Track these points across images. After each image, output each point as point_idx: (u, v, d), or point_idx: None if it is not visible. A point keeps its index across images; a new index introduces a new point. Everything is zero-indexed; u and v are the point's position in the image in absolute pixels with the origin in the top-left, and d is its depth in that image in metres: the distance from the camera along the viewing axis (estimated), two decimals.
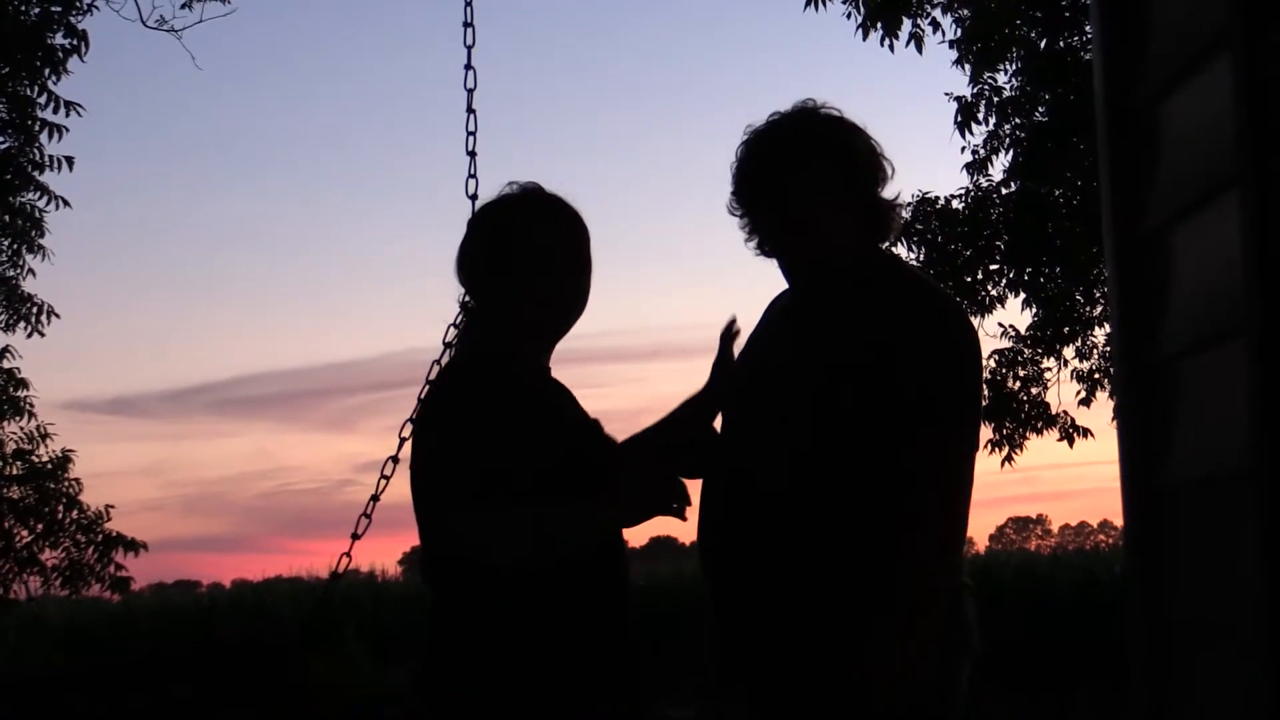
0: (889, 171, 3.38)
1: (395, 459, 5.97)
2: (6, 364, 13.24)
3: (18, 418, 13.22)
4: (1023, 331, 13.95)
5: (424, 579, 3.30)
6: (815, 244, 3.34)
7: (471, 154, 5.88)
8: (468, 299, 3.46)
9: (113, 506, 13.47)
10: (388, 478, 5.95)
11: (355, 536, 5.98)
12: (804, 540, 3.15)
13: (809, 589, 3.13)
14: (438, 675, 3.24)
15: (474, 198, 5.81)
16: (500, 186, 3.46)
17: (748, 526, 3.25)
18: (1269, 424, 2.28)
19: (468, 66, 5.91)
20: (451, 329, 5.90)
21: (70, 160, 12.09)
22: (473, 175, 5.84)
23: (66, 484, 13.38)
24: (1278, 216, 2.28)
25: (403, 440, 5.90)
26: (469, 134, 5.91)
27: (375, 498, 5.94)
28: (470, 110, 5.93)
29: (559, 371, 3.47)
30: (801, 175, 3.32)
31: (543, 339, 3.40)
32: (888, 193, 3.39)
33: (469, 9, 5.94)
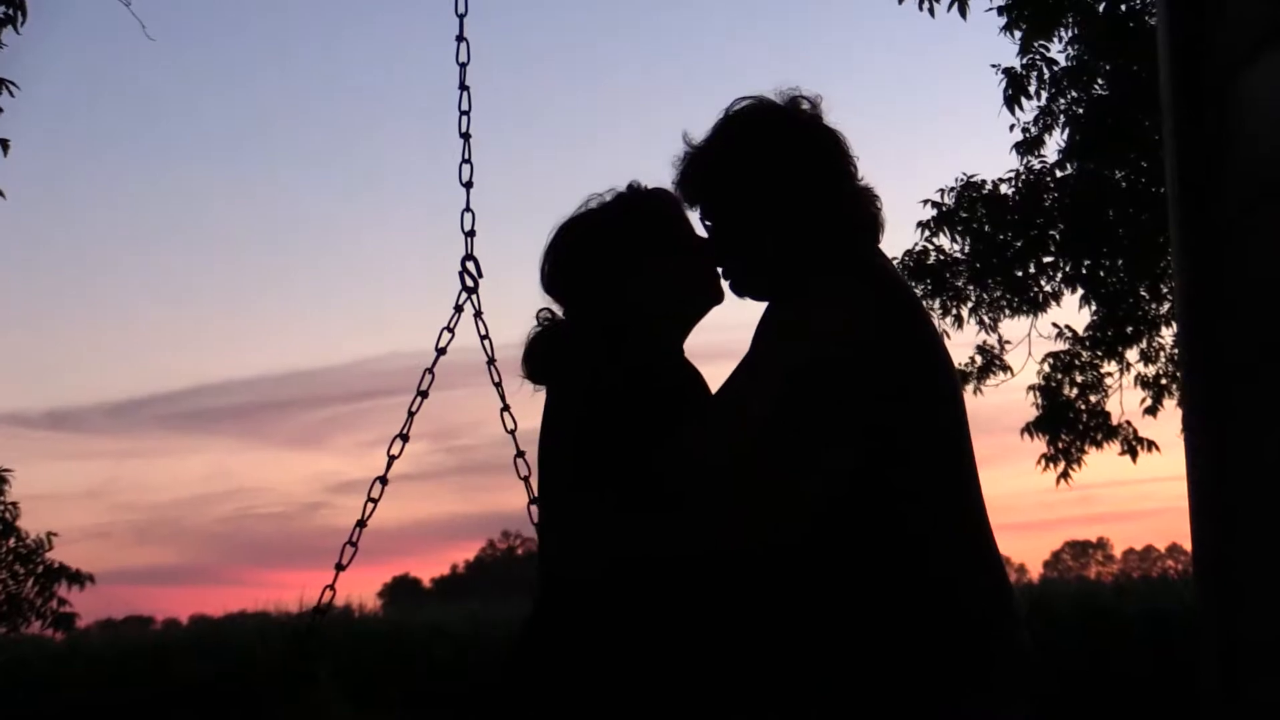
0: (838, 166, 3.50)
1: (384, 480, 5.94)
2: None
3: None
4: (1080, 332, 13.96)
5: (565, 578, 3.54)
6: (746, 263, 3.55)
7: (465, 136, 5.83)
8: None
9: (55, 534, 13.51)
10: (375, 501, 5.91)
11: (340, 567, 5.96)
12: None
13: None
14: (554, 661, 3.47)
15: (468, 185, 5.78)
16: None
17: None
18: None
19: (460, 38, 5.88)
20: (446, 333, 5.93)
21: (5, 144, 12.10)
22: (467, 160, 5.78)
23: (3, 508, 13.41)
24: None
25: (392, 458, 5.88)
26: (462, 114, 5.87)
27: (362, 523, 5.91)
28: (463, 87, 5.88)
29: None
30: (715, 204, 3.56)
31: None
32: (847, 184, 3.51)
33: None
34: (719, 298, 3.67)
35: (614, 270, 3.66)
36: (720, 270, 3.61)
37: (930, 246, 13.47)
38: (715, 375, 3.59)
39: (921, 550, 3.25)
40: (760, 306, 3.49)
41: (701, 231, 3.64)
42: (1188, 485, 2.92)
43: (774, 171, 3.44)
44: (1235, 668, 2.80)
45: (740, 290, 3.60)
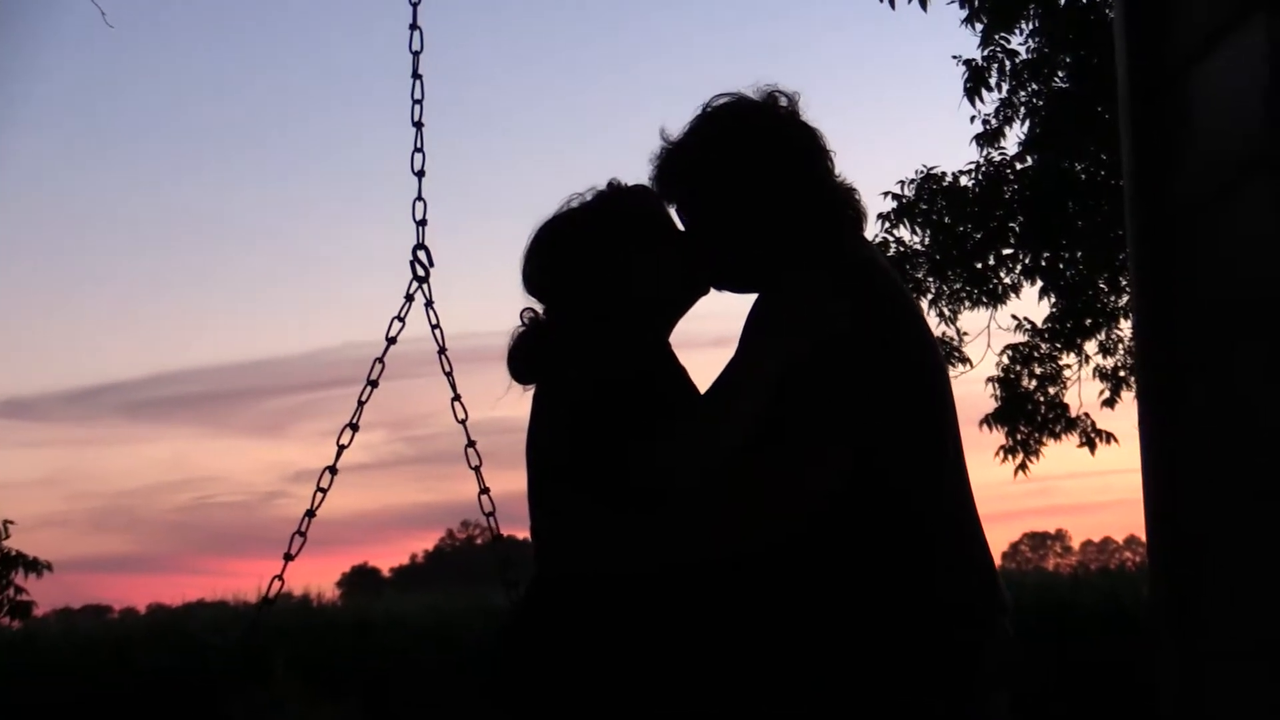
0: (817, 161, 3.50)
1: (333, 470, 5.94)
2: None
3: None
4: (1039, 324, 13.99)
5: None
6: (726, 257, 3.54)
7: (418, 125, 5.88)
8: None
9: (11, 522, 13.42)
10: (324, 490, 5.92)
11: (288, 557, 5.95)
12: None
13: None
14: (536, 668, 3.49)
15: (420, 173, 5.83)
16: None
17: None
18: None
19: (413, 26, 5.90)
20: (397, 322, 5.93)
21: None
22: (419, 149, 5.84)
23: None
24: None
25: (341, 448, 5.89)
26: (415, 102, 5.91)
27: (311, 513, 5.92)
28: (416, 76, 5.92)
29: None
30: (694, 199, 3.55)
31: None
32: (812, 178, 3.49)
33: None
34: (705, 288, 3.67)
35: (601, 264, 3.65)
36: (700, 264, 3.59)
37: (890, 238, 13.48)
38: (691, 364, 3.65)
39: (911, 543, 3.25)
40: (742, 297, 3.50)
41: (681, 226, 3.63)
42: (1142, 476, 2.91)
43: (754, 167, 3.44)
44: (1192, 658, 2.79)
45: (719, 284, 3.60)
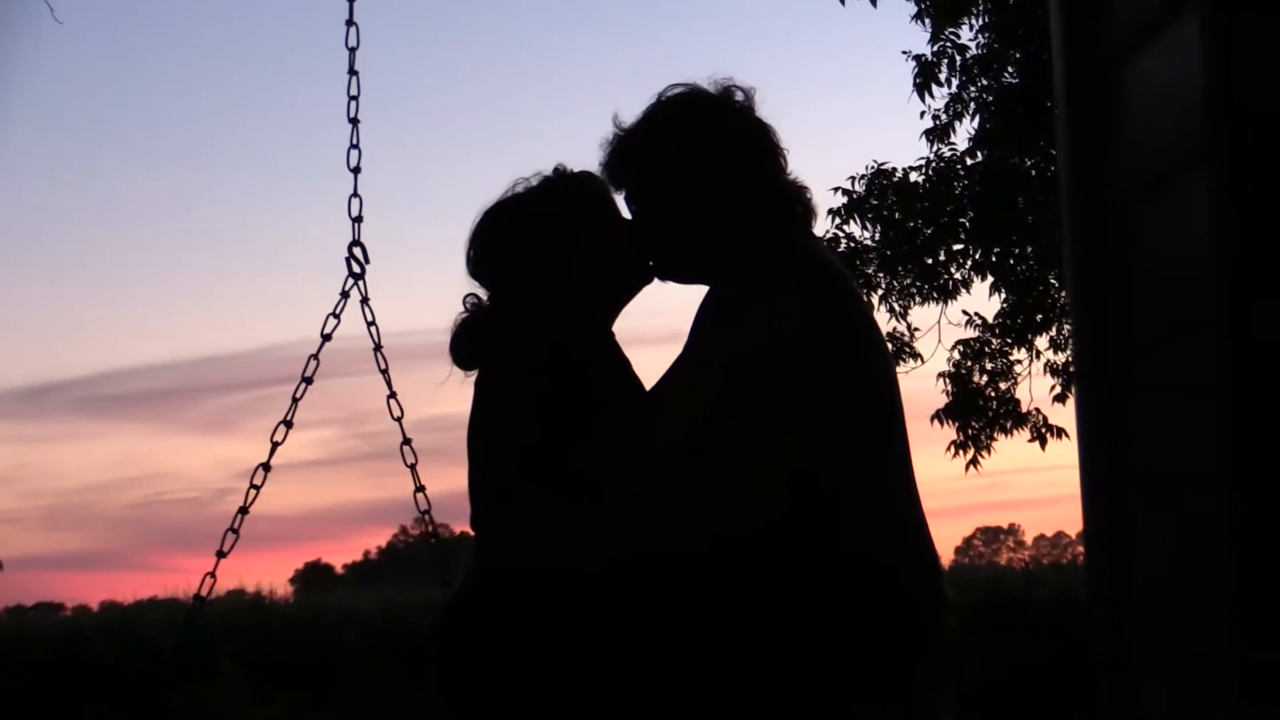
0: (771, 156, 3.48)
1: (266, 467, 5.95)
2: None
3: None
4: (990, 320, 14.01)
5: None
6: (674, 249, 3.53)
7: (354, 121, 5.91)
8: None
9: None
10: (258, 487, 5.95)
11: (220, 555, 5.96)
12: None
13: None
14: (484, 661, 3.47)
15: (356, 170, 5.86)
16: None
17: None
18: (1237, 420, 2.28)
19: (349, 22, 5.92)
20: (332, 319, 5.92)
21: None
22: (355, 145, 5.89)
23: None
24: (1248, 194, 2.26)
25: (275, 445, 5.90)
26: (351, 99, 5.94)
27: (244, 510, 5.94)
28: (352, 72, 5.95)
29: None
30: (646, 189, 3.53)
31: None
32: (771, 172, 3.48)
33: None
34: (650, 276, 3.65)
35: (544, 248, 3.62)
36: (647, 254, 3.58)
37: (841, 234, 13.47)
38: (638, 360, 3.62)
39: (857, 540, 3.23)
40: (690, 293, 3.48)
41: (628, 214, 3.61)
42: (1079, 462, 2.93)
43: (704, 161, 3.42)
44: (1125, 644, 2.80)
45: (664, 274, 3.59)
